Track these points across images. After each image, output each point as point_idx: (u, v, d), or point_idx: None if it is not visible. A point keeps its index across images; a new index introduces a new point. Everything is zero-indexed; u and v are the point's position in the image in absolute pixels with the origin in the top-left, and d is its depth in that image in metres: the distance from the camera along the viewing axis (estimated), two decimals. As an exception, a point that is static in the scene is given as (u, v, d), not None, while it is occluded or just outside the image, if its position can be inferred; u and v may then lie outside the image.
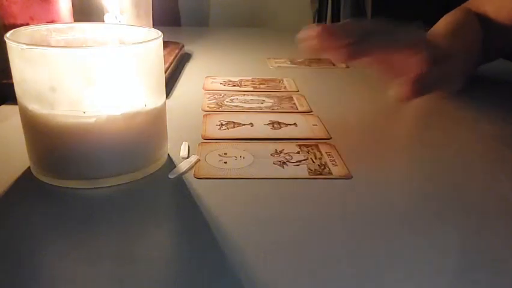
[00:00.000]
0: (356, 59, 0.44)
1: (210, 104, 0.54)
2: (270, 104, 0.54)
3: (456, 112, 0.53)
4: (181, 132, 0.44)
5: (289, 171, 0.38)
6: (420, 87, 0.45)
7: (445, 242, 0.29)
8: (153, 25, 0.66)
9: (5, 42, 0.32)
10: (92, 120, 0.33)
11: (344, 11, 1.85)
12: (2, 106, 0.51)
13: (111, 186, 0.35)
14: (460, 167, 0.40)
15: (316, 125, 0.48)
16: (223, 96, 0.57)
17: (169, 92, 0.57)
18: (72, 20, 0.55)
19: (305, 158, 0.40)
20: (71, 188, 0.34)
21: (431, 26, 0.57)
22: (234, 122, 0.48)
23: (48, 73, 0.31)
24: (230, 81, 0.63)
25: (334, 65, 0.75)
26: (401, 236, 0.30)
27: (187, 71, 0.69)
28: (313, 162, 0.39)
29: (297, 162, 0.39)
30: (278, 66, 0.74)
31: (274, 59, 0.78)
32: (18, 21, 0.49)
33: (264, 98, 0.56)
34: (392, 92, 0.46)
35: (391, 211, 0.33)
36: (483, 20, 0.59)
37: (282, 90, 0.60)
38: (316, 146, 0.43)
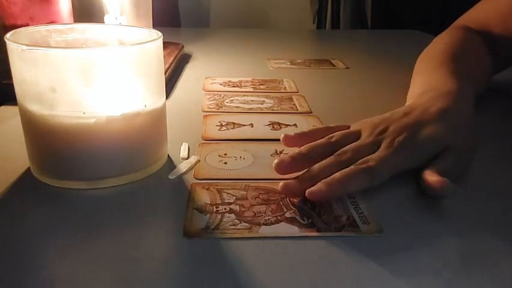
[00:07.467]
0: None
1: (210, 104, 0.54)
2: (270, 104, 0.54)
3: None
4: (181, 133, 0.44)
5: (289, 171, 0.38)
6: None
7: (446, 243, 0.29)
8: (153, 26, 0.66)
9: (5, 43, 0.32)
10: (92, 120, 0.33)
11: (344, 12, 1.85)
12: (2, 107, 0.51)
13: (111, 186, 0.35)
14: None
15: (316, 125, 0.48)
16: (223, 97, 0.57)
17: (169, 93, 0.58)
18: (72, 20, 0.55)
19: (305, 158, 0.40)
20: (71, 188, 0.34)
21: (430, 26, 0.56)
22: (234, 123, 0.48)
23: (48, 74, 0.31)
24: (230, 82, 0.63)
25: (334, 66, 0.75)
26: (402, 235, 0.30)
27: (187, 71, 0.69)
28: (313, 162, 0.39)
29: (297, 162, 0.39)
30: (278, 67, 0.74)
31: (274, 59, 0.78)
32: (18, 22, 0.49)
33: (264, 99, 0.56)
34: None
35: (390, 210, 0.33)
36: (487, 35, 0.57)
37: (282, 91, 0.60)
38: (316, 146, 0.42)
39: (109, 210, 0.32)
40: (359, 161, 0.35)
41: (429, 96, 0.42)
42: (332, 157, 0.36)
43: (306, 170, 0.35)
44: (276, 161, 0.36)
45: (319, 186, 0.33)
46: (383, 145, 0.37)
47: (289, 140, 0.40)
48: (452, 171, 0.35)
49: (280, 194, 0.34)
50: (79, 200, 0.33)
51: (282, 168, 0.36)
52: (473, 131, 0.40)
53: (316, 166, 0.35)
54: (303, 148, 0.37)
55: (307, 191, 0.32)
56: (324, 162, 0.35)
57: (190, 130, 0.46)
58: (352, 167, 0.34)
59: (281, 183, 0.34)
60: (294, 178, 0.35)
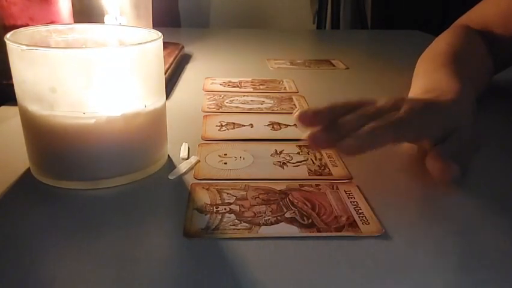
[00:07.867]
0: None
1: (210, 105, 0.54)
2: (270, 104, 0.54)
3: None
4: (181, 133, 0.44)
5: (289, 171, 0.38)
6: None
7: (446, 243, 0.29)
8: (153, 26, 0.67)
9: (5, 43, 0.32)
10: (92, 121, 0.33)
11: (344, 12, 1.85)
12: (2, 107, 0.51)
13: (111, 187, 0.35)
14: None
15: (316, 125, 0.48)
16: (223, 97, 0.57)
17: (169, 93, 0.58)
18: (72, 21, 0.55)
19: (305, 158, 0.40)
20: (71, 189, 0.34)
21: (430, 27, 0.56)
22: (233, 123, 0.48)
23: (48, 74, 0.31)
24: (230, 82, 0.63)
25: (334, 66, 0.75)
26: (402, 235, 0.30)
27: (187, 72, 0.69)
28: (314, 163, 0.39)
29: (297, 163, 0.39)
30: (278, 67, 0.74)
31: (274, 60, 0.78)
32: (18, 22, 0.49)
33: (263, 99, 0.56)
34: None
35: (390, 210, 0.33)
36: (488, 35, 0.58)
37: (282, 91, 0.60)
38: (316, 146, 0.43)
39: (109, 210, 0.32)
40: (387, 115, 0.34)
41: (431, 96, 0.42)
42: (356, 112, 0.35)
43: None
44: (297, 112, 0.34)
45: (348, 140, 0.32)
46: (405, 107, 0.36)
47: (306, 118, 0.35)
48: (458, 155, 0.35)
49: (280, 193, 0.34)
50: (79, 200, 0.33)
51: (305, 118, 0.34)
52: (474, 130, 0.40)
53: (343, 119, 0.34)
54: (324, 107, 0.36)
55: (337, 145, 0.32)
56: (349, 116, 0.34)
57: (190, 130, 0.46)
58: (380, 119, 0.33)
59: (307, 133, 0.33)
60: (320, 129, 0.34)
